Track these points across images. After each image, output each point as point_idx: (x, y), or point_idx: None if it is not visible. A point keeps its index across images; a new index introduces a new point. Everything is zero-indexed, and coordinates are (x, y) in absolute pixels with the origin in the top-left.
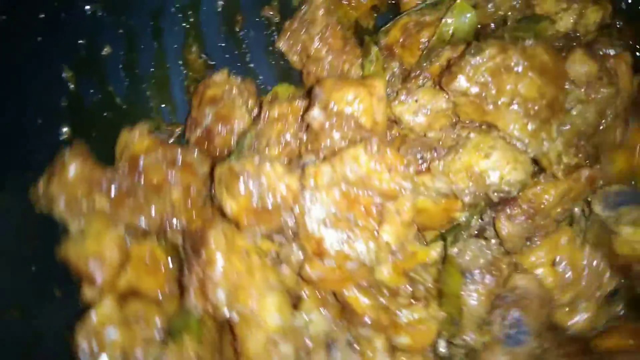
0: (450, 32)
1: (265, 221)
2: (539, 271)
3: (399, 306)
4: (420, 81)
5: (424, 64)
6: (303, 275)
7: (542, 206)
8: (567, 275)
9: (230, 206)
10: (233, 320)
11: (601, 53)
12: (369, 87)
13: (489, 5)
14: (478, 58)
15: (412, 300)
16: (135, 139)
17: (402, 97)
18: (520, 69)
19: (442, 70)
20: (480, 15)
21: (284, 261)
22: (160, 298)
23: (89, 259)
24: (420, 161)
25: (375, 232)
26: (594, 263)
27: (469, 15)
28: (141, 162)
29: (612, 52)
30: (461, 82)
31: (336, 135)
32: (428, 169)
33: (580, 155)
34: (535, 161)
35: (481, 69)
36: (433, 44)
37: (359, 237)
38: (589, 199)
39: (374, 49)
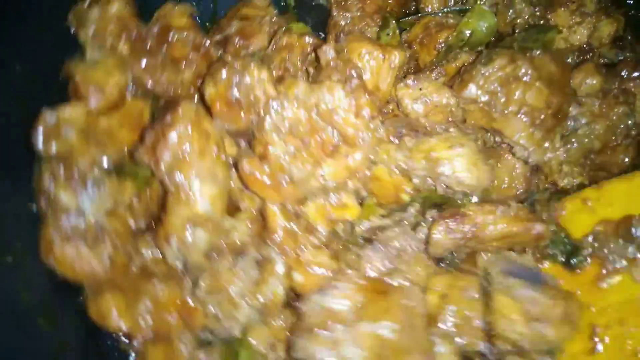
0: (468, 34)
1: (235, 118)
2: (429, 297)
3: (308, 243)
4: (434, 76)
5: (442, 62)
6: (239, 169)
7: (483, 235)
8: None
9: (209, 91)
10: (168, 188)
11: (623, 74)
12: (387, 52)
13: (510, 12)
14: (489, 68)
15: (323, 246)
16: (175, 13)
17: (409, 82)
18: (528, 78)
19: (457, 72)
20: (500, 22)
21: (237, 161)
22: (125, 152)
23: (91, 85)
24: (398, 134)
25: (319, 163)
26: (475, 321)
27: (488, 19)
28: (171, 34)
29: (636, 74)
30: (472, 90)
31: (335, 77)
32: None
33: (584, 174)
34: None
35: (491, 78)
36: (451, 43)
37: (302, 159)
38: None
39: (392, 24)
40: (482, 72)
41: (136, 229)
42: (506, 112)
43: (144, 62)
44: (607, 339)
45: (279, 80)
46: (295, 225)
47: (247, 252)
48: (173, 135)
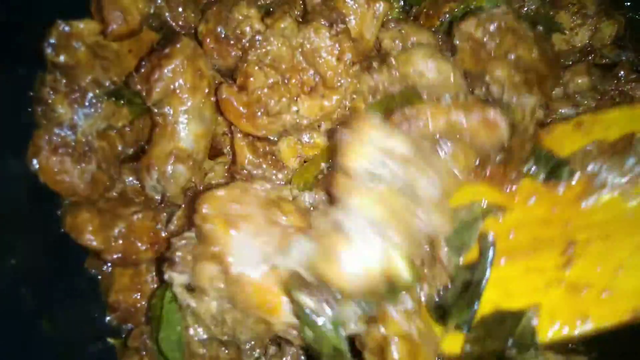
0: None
1: (223, 54)
2: None
3: (272, 176)
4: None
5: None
6: (217, 94)
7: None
8: None
9: (201, 27)
10: (156, 120)
11: (620, 76)
12: (371, 2)
13: None
14: (495, 10)
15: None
16: None
17: (391, 24)
18: (524, 35)
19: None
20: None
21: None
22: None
23: (117, 10)
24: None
25: (295, 99)
26: None
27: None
28: None
29: (633, 76)
30: (471, 25)
31: (320, 21)
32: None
33: None
34: None
35: (494, 20)
36: (456, 15)
37: (279, 93)
38: None
39: None
40: (487, 11)
41: (123, 155)
42: (493, 54)
43: None
44: (585, 255)
45: (267, 14)
46: (264, 164)
47: None
48: (167, 69)
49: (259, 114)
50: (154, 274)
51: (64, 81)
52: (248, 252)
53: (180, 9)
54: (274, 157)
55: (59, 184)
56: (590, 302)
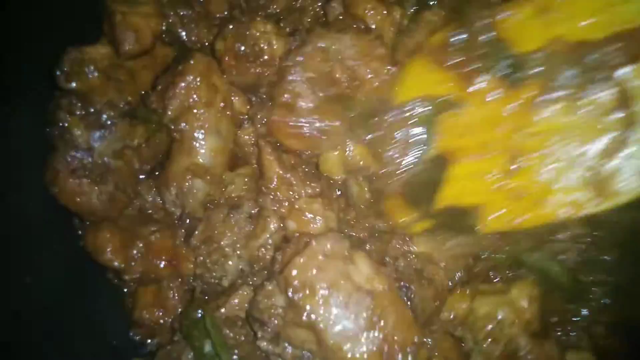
0: None
1: (243, 71)
2: None
3: (302, 190)
4: None
5: None
6: (268, 118)
7: None
8: None
9: (219, 45)
10: (173, 137)
11: None
12: (390, 8)
13: None
14: None
15: (318, 197)
16: None
17: None
18: None
19: None
20: None
21: (250, 118)
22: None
23: (129, 30)
24: None
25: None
26: None
27: None
28: None
29: None
30: None
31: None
32: None
33: None
34: None
35: None
36: None
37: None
38: None
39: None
40: None
41: (141, 172)
42: None
43: (181, 12)
44: (527, 166)
45: (308, 31)
46: (292, 178)
47: (241, 205)
48: (182, 84)
49: (307, 133)
50: (176, 290)
51: (79, 104)
52: (343, 326)
53: (192, 25)
54: (306, 169)
55: (77, 206)
56: (528, 208)
